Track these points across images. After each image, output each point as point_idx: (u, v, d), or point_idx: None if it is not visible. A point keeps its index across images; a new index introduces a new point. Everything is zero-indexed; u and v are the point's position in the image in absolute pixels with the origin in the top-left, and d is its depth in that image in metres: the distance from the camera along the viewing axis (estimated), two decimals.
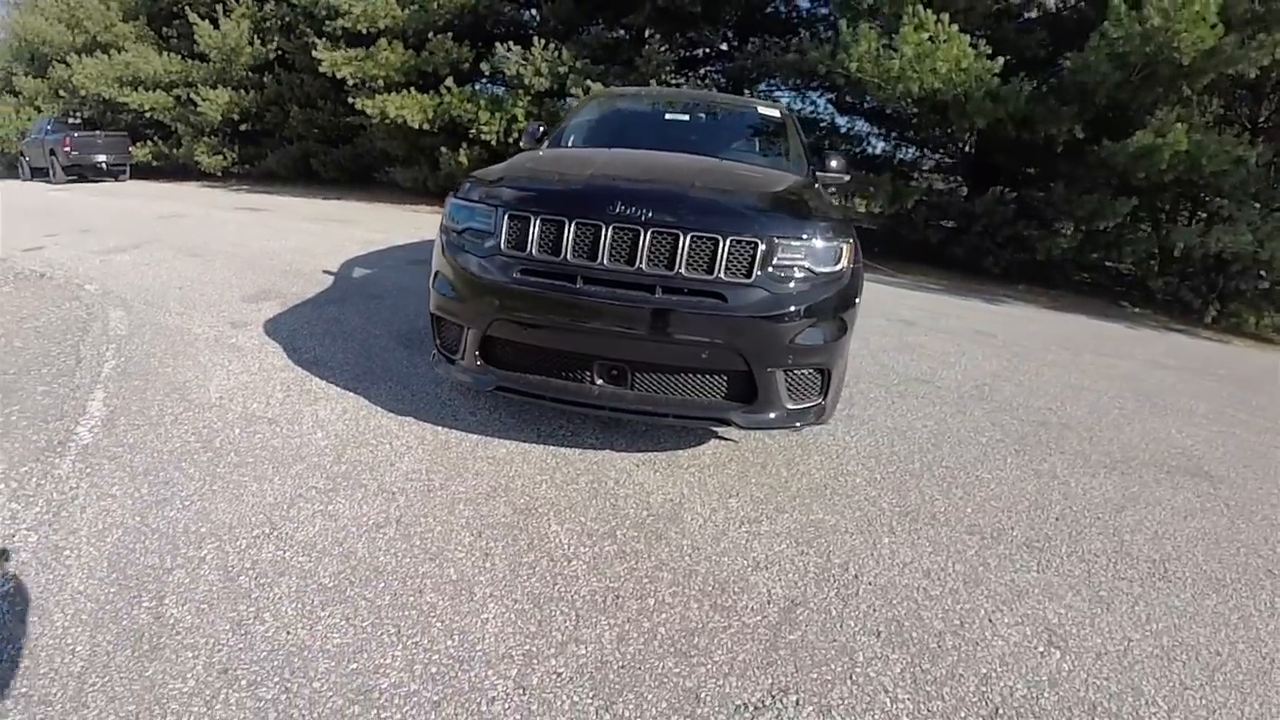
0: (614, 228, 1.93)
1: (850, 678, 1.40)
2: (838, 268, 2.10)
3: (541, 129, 3.54)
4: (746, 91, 9.53)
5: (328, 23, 10.25)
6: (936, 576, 1.80)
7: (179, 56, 13.30)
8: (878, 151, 9.26)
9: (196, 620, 1.47)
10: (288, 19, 11.85)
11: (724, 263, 1.94)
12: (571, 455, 2.32)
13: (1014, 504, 2.26)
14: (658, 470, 2.25)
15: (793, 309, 1.99)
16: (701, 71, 11.13)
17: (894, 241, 9.27)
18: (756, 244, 1.96)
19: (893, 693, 1.38)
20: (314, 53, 10.40)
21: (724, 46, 10.47)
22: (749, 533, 1.91)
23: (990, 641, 1.56)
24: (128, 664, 1.35)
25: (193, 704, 1.26)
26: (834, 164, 3.19)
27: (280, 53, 12.48)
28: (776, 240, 1.99)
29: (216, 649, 1.40)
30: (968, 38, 6.15)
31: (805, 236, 2.05)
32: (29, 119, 16.03)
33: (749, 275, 1.96)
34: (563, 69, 8.93)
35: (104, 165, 13.56)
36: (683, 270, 1.93)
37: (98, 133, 13.73)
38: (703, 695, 1.31)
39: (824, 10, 8.45)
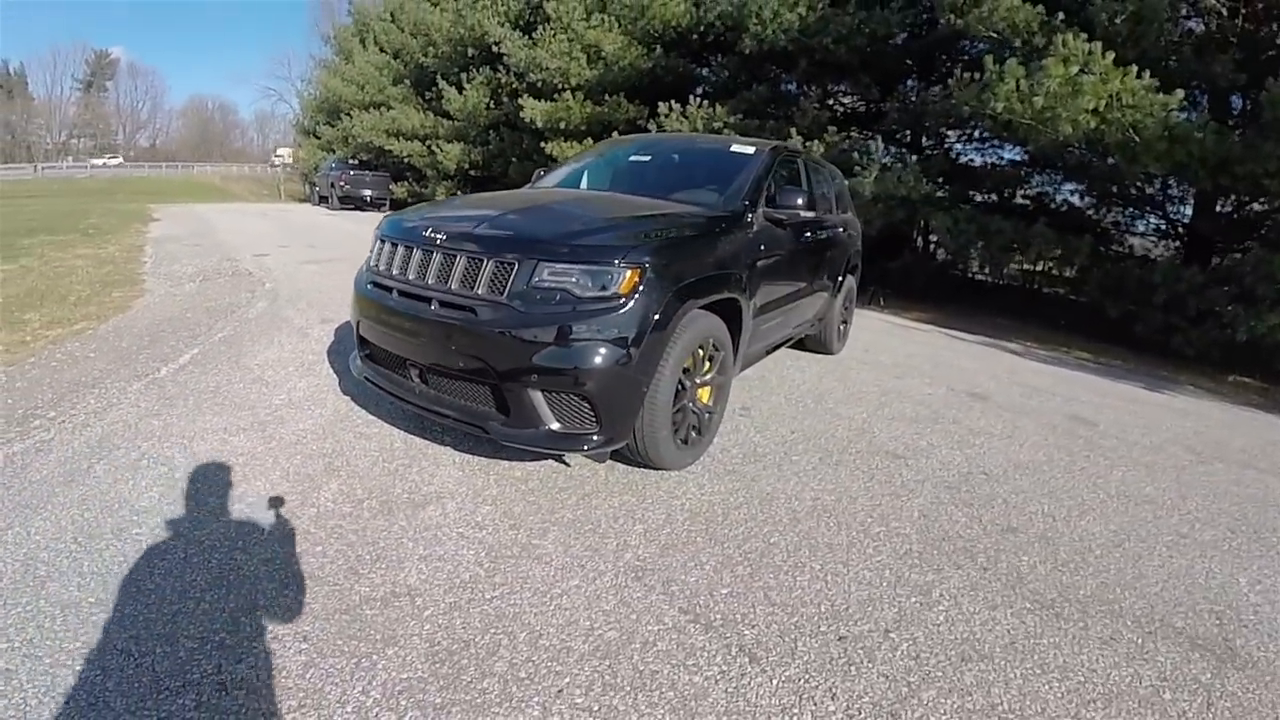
0: (419, 249, 2.56)
1: (346, 652, 1.68)
2: (607, 293, 2.31)
3: (542, 171, 4.34)
4: (923, 143, 9.21)
5: (530, 74, 12.56)
6: (542, 613, 1.86)
7: (431, 115, 17.35)
8: (1076, 206, 8.15)
9: (99, 473, 2.48)
10: (514, 86, 14.76)
11: (484, 281, 2.36)
12: (417, 446, 2.92)
13: (778, 596, 2.03)
14: (466, 471, 2.71)
15: (537, 329, 2.27)
16: (889, 126, 10.87)
17: (1084, 312, 8.12)
18: (514, 265, 2.32)
19: (356, 685, 1.58)
20: (520, 100, 12.88)
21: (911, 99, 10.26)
22: (458, 535, 2.24)
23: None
24: (59, 484, 2.40)
25: (74, 499, 2.22)
26: (799, 200, 3.40)
27: (506, 115, 15.53)
28: (540, 262, 2.31)
29: (95, 485, 2.40)
30: (1132, 69, 5.35)
31: (572, 261, 2.32)
32: (323, 158, 22.32)
33: (502, 293, 2.33)
34: (717, 124, 9.76)
35: (369, 198, 18.25)
36: (453, 286, 2.43)
37: (366, 172, 18.59)
38: (242, 621, 1.77)
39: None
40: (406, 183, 19.51)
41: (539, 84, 12.59)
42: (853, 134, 8.36)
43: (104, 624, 1.73)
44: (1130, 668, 1.87)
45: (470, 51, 15.39)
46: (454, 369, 2.46)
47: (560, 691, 1.60)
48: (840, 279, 4.98)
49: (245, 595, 1.87)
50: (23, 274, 6.29)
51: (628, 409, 2.41)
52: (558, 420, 2.37)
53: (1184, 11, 5.73)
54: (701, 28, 10.06)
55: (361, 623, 1.79)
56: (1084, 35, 5.56)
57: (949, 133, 9.07)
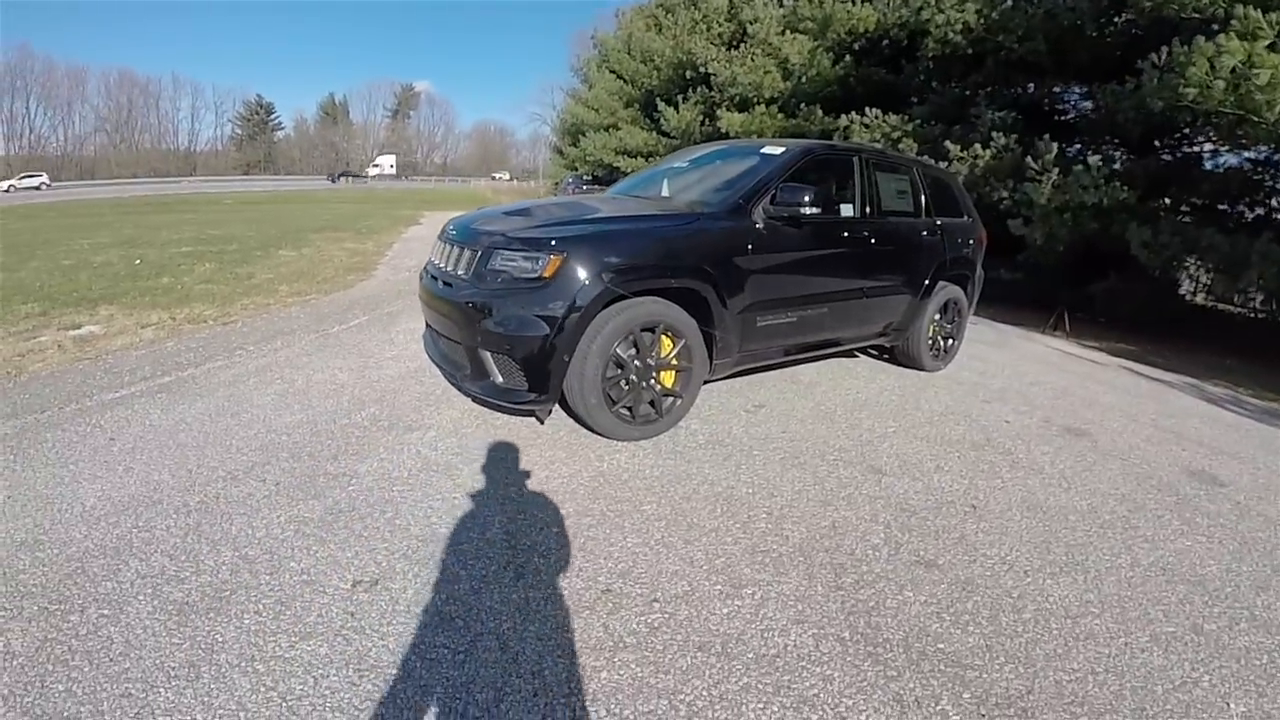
0: (442, 241, 3.40)
1: (288, 497, 2.54)
2: (534, 275, 2.87)
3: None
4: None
5: (728, 89, 13.33)
6: (412, 505, 2.49)
7: (654, 134, 19.06)
8: None
9: (250, 383, 3.78)
10: (719, 101, 15.68)
11: (462, 264, 3.12)
12: (449, 396, 3.75)
13: (593, 546, 2.33)
14: (465, 415, 3.48)
15: (483, 300, 2.92)
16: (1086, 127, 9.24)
17: None
18: (478, 251, 3.03)
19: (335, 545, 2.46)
20: (717, 111, 13.72)
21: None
22: (414, 450, 3.01)
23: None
24: (222, 385, 3.74)
25: (224, 394, 3.50)
26: (804, 198, 3.49)
27: (716, 131, 16.51)
28: (494, 250, 2.98)
29: (241, 388, 3.66)
30: None
31: (514, 249, 2.94)
32: (566, 174, 25.83)
33: (469, 274, 3.06)
34: (896, 134, 9.43)
35: None
36: (447, 268, 3.21)
37: (595, 185, 21.05)
38: (255, 470, 2.76)
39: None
40: None
41: (737, 98, 13.25)
42: (1036, 137, 7.40)
43: (188, 458, 2.87)
44: None
45: (688, 74, 16.65)
46: (447, 332, 3.25)
47: (373, 551, 2.25)
48: (927, 284, 4.72)
49: (262, 457, 2.89)
50: (298, 259, 8.88)
51: (551, 373, 2.93)
52: (502, 376, 3.00)
53: None
54: (891, 34, 9.72)
55: (312, 485, 2.67)
56: None
57: (1188, 132, 7.43)
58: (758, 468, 3.10)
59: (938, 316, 4.97)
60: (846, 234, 4.10)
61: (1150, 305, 7.28)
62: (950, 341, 5.18)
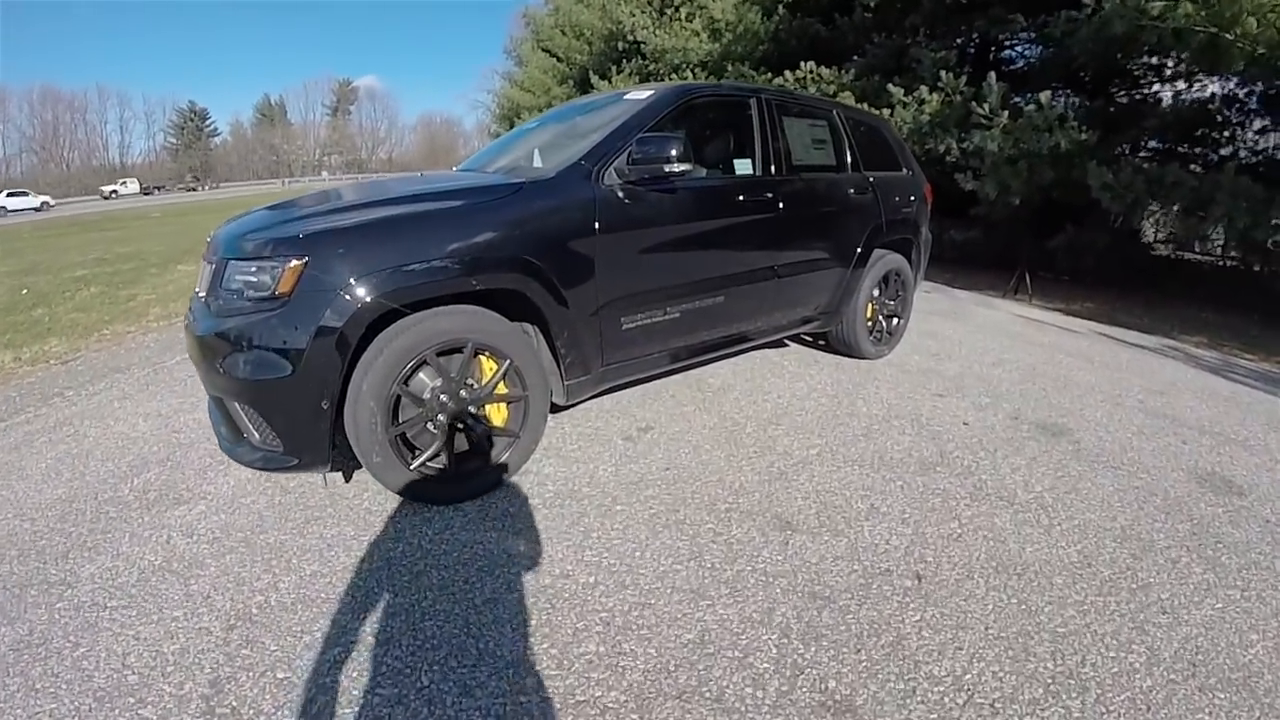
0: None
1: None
2: (269, 293, 2.05)
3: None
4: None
5: (661, 58, 12.50)
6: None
7: None
8: None
9: (43, 439, 3.10)
10: (652, 71, 14.80)
11: (204, 284, 2.29)
12: None
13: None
14: (254, 481, 2.65)
15: (219, 330, 2.10)
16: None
17: None
18: (215, 265, 2.22)
19: None
20: (650, 82, 12.92)
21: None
22: (164, 533, 2.37)
23: None
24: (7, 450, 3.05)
25: (10, 456, 2.81)
26: (671, 152, 2.67)
27: None
28: (229, 261, 2.15)
29: (32, 448, 3.00)
30: None
31: (248, 258, 2.12)
32: None
33: (206, 297, 2.23)
34: (832, 88, 8.70)
35: None
36: (198, 291, 2.35)
37: None
38: None
39: None
40: None
41: (666, 66, 12.44)
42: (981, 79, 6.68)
43: None
44: None
45: (620, 45, 15.68)
46: (199, 375, 2.42)
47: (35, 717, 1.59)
48: (860, 254, 3.95)
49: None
50: (191, 274, 8.11)
51: (305, 425, 2.14)
52: (257, 434, 2.20)
53: None
54: None
55: (19, 603, 2.00)
56: None
57: (1151, 66, 6.71)
58: (613, 536, 2.29)
59: (876, 292, 4.25)
60: (743, 197, 3.23)
61: (1113, 256, 6.66)
62: (895, 320, 4.48)
